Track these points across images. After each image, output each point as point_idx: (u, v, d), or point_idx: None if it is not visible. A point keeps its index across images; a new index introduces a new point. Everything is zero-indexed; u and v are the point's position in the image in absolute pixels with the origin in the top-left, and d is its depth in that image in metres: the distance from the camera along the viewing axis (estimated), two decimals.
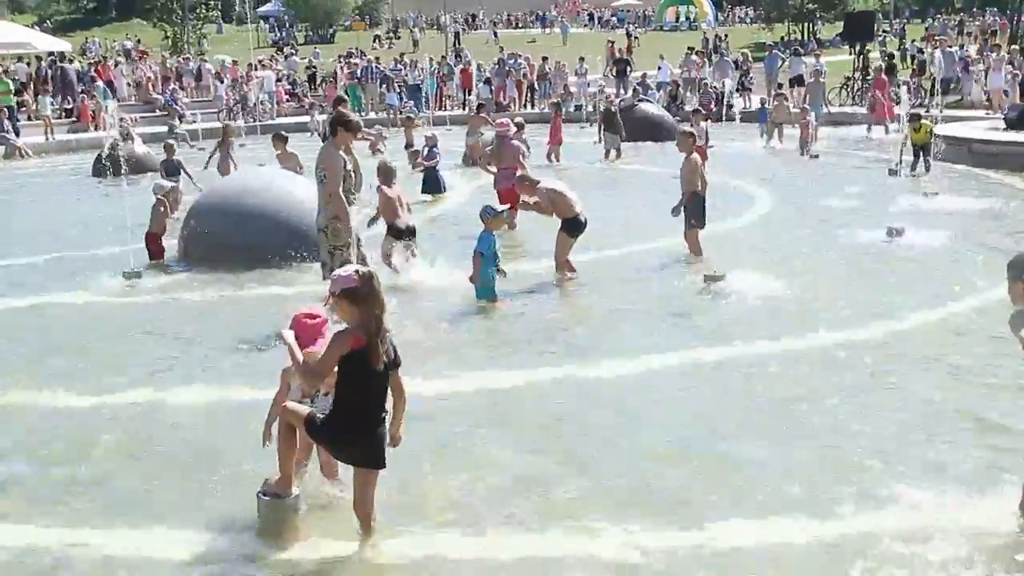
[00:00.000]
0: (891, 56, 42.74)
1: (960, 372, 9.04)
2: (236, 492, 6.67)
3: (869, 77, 35.80)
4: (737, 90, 40.40)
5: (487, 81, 42.80)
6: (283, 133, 19.87)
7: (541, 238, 14.29)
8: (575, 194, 12.99)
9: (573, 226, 12.75)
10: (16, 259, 15.56)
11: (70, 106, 39.65)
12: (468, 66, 45.40)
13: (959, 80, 38.02)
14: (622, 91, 39.41)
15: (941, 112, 28.26)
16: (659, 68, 44.94)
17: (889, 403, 8.29)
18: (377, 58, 51.65)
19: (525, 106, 41.75)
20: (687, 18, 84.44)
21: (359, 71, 45.49)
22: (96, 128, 36.11)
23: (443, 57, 48.76)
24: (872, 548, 5.82)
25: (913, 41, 51.82)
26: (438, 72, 44.32)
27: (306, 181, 15.28)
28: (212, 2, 67.86)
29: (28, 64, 46.53)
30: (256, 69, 43.83)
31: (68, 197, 22.85)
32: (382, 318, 5.88)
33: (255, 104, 39.55)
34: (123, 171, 17.94)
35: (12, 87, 36.27)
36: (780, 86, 36.29)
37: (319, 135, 32.06)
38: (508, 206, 11.94)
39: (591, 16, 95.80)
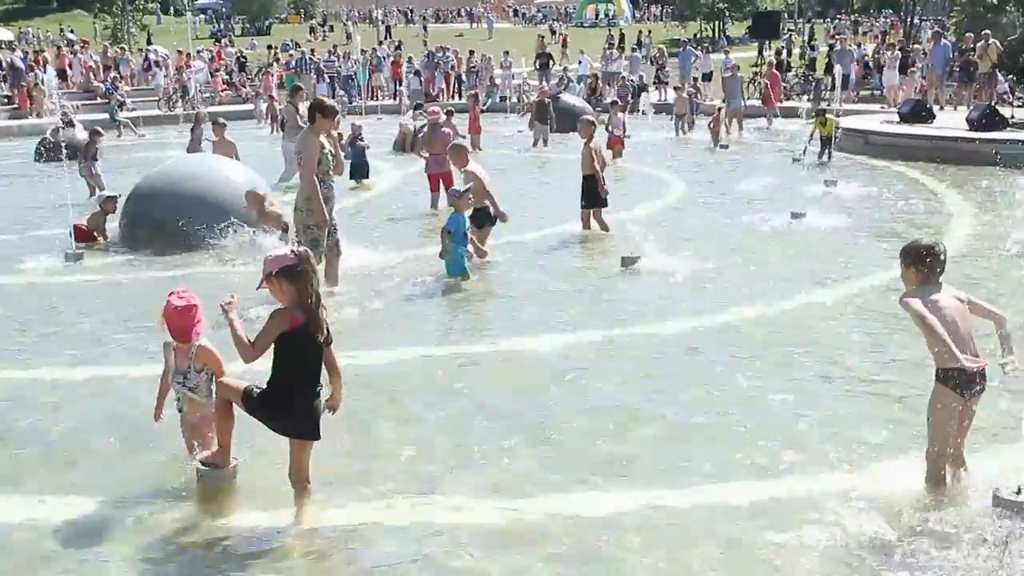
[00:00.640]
0: (778, 52, 43.37)
1: (857, 345, 9.16)
2: (175, 464, 6.56)
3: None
4: (654, 84, 40.73)
5: (416, 73, 42.56)
6: (222, 120, 19.63)
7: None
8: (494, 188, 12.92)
9: (484, 216, 12.63)
10: None
11: (9, 94, 38.78)
12: (398, 58, 45.12)
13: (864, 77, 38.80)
14: (544, 83, 39.43)
15: (841, 106, 28.70)
16: (580, 62, 45.07)
17: (794, 374, 8.37)
18: (312, 50, 51.19)
19: (453, 97, 41.55)
20: (606, 15, 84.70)
21: (294, 62, 45.07)
22: (37, 115, 35.29)
23: (373, 49, 48.33)
24: (781, 511, 5.88)
25: (811, 40, 52.33)
26: (369, 64, 44.00)
27: (241, 166, 15.11)
28: None
29: None
30: (194, 59, 43.20)
31: (12, 181, 22.35)
32: (318, 295, 5.83)
33: (194, 93, 38.95)
34: (63, 156, 17.59)
35: None
36: (696, 80, 36.62)
37: (268, 122, 31.88)
38: (470, 185, 11.89)
39: (516, 12, 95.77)
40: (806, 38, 54.99)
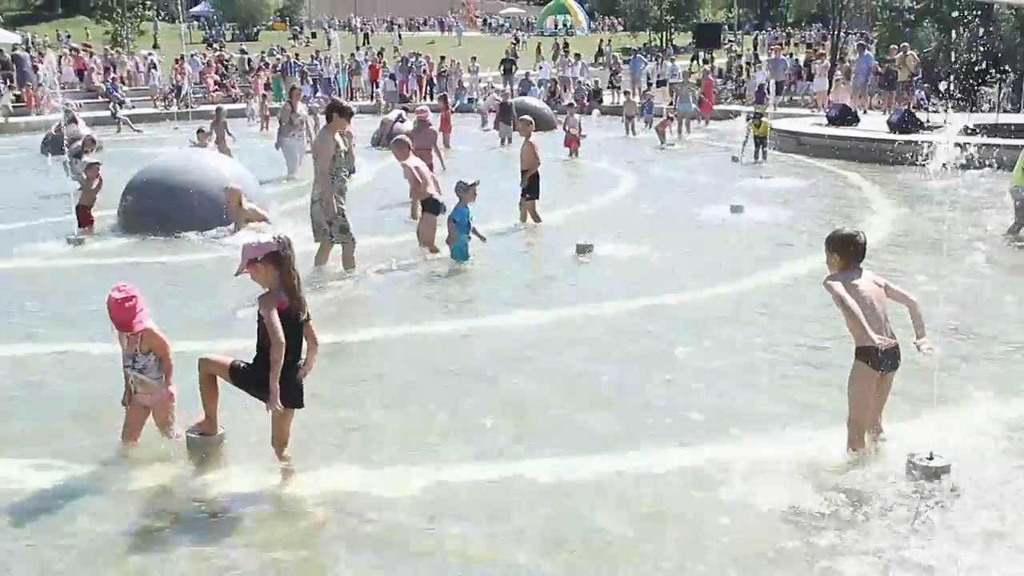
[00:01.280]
0: (707, 61, 43.59)
1: (788, 325, 9.19)
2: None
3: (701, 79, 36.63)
4: (608, 87, 40.75)
5: (391, 76, 42.32)
6: (206, 128, 19.74)
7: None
8: (432, 178, 12.78)
9: (432, 206, 12.39)
10: None
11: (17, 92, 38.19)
12: (376, 62, 44.86)
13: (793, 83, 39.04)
14: (508, 87, 39.38)
15: (775, 110, 28.86)
16: (540, 67, 44.98)
17: (730, 350, 8.38)
18: (297, 55, 50.78)
19: (424, 99, 41.34)
20: (564, 25, 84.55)
21: (280, 65, 44.71)
22: (37, 112, 34.83)
23: (352, 54, 48.00)
24: (720, 475, 5.90)
25: (755, 51, 52.55)
26: (348, 67, 43.71)
27: (230, 160, 14.97)
28: (149, 1, 65.71)
29: None
30: (187, 63, 42.73)
31: (18, 171, 22.03)
32: (299, 278, 5.82)
33: (187, 93, 38.56)
34: (65, 149, 17.36)
35: None
36: (650, 86, 36.68)
37: (259, 120, 31.71)
38: (477, 180, 11.79)
39: (484, 21, 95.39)
40: (752, 48, 55.26)
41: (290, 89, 22.76)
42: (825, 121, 25.71)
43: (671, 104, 30.89)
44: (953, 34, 30.71)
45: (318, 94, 38.80)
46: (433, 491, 5.77)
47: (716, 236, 13.73)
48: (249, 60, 49.04)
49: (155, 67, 42.53)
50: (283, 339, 5.66)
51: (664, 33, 70.58)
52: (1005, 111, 23.68)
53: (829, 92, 33.38)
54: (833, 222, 12.42)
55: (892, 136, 21.90)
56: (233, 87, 43.67)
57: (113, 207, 14.68)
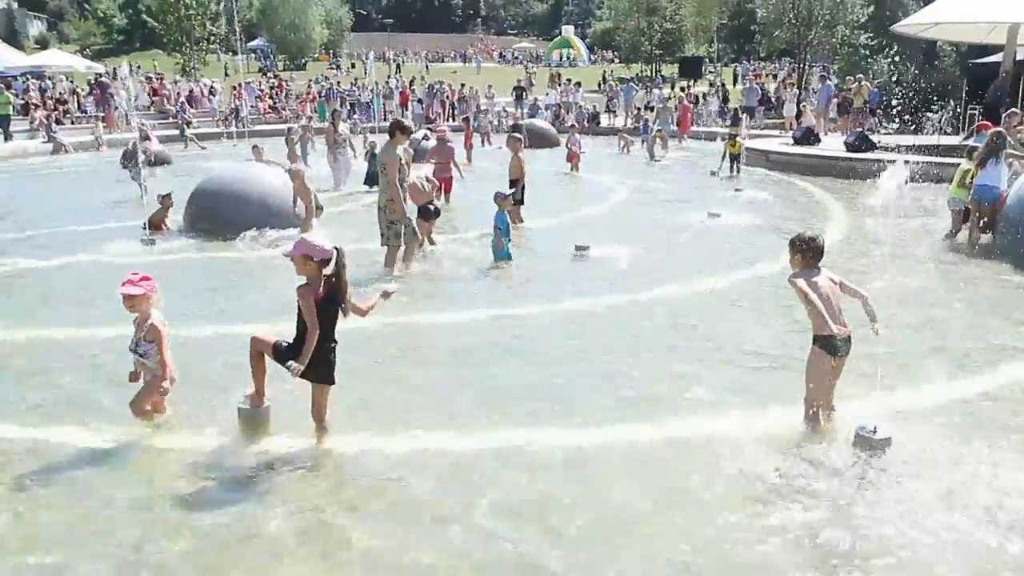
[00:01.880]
0: (684, 88, 43.44)
1: (756, 316, 9.18)
2: (224, 404, 6.48)
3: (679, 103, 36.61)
4: (605, 111, 40.67)
5: (419, 101, 42.30)
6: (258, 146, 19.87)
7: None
8: (430, 187, 12.64)
9: (424, 212, 12.31)
10: (63, 227, 15.10)
11: (103, 114, 38.32)
12: (406, 89, 44.83)
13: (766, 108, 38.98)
14: (518, 110, 39.34)
15: (749, 130, 28.73)
16: (547, 94, 44.89)
17: (706, 336, 8.36)
18: (338, 82, 50.80)
19: (448, 120, 41.30)
20: (568, 58, 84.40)
21: (323, 91, 44.73)
22: (108, 132, 35.06)
23: (386, 82, 47.98)
24: (689, 446, 5.90)
25: (735, 81, 52.28)
26: (383, 93, 43.71)
27: (278, 171, 14.99)
28: (213, 37, 65.83)
29: (72, 81, 44.86)
30: (244, 90, 42.81)
31: (101, 182, 22.11)
32: (346, 277, 5.81)
33: (245, 115, 38.62)
34: (140, 163, 17.43)
35: (11, 100, 34.73)
36: (639, 111, 36.58)
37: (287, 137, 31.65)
38: (513, 190, 11.73)
39: (500, 54, 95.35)
40: (731, 79, 55.01)
41: (332, 112, 22.76)
42: (791, 141, 25.60)
43: (656, 124, 30.94)
44: (901, 69, 30.64)
45: (355, 116, 38.82)
46: (452, 458, 5.77)
47: (696, 239, 13.67)
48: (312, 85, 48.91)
49: (214, 93, 42.65)
50: (317, 324, 5.66)
51: (654, 64, 70.34)
52: (946, 134, 23.50)
53: (798, 117, 33.28)
54: (797, 227, 12.33)
55: (848, 155, 21.79)
56: (284, 109, 43.71)
57: (180, 212, 14.68)
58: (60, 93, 40.75)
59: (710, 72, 59.60)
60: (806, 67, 45.54)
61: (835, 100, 31.70)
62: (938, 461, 5.44)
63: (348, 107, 41.24)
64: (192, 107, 41.68)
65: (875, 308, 5.84)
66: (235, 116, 39.11)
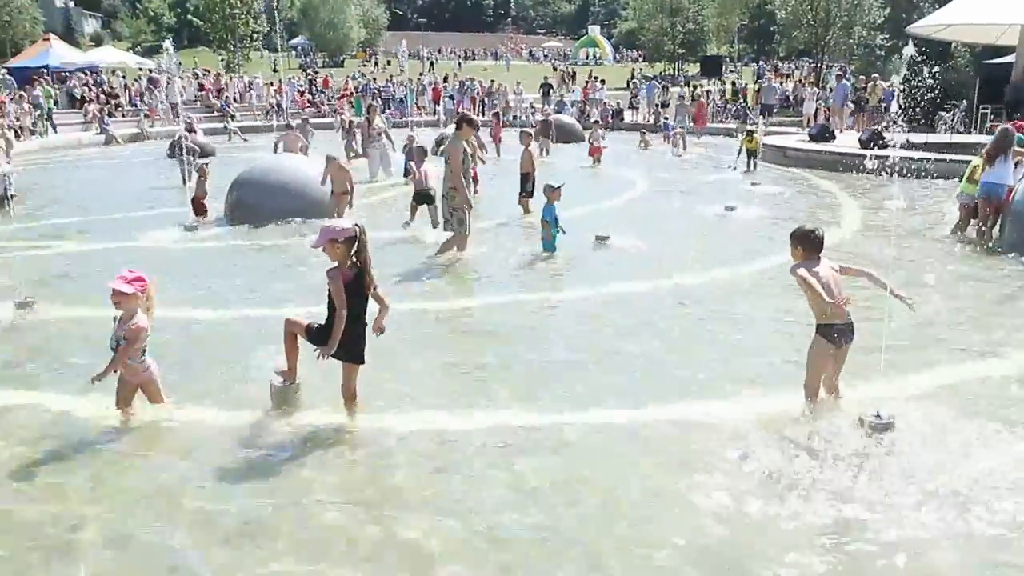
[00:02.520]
0: (695, 88, 43.01)
1: (765, 305, 9.06)
2: (256, 380, 6.55)
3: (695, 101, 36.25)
4: (628, 107, 40.45)
5: (451, 97, 42.26)
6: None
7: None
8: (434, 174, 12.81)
9: (421, 197, 12.81)
10: (113, 214, 15.35)
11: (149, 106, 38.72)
12: (438, 85, 44.80)
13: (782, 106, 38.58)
14: (546, 106, 39.18)
15: (766, 127, 28.47)
16: (572, 91, 44.69)
17: (718, 324, 8.31)
18: (374, 78, 50.88)
19: (478, 115, 41.24)
20: (594, 56, 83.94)
21: (361, 87, 44.83)
22: (150, 124, 35.62)
23: (419, 78, 47.97)
24: (698, 427, 5.88)
25: (757, 79, 51.74)
26: (416, 89, 43.73)
27: (311, 162, 15.05)
28: (255, 35, 66.13)
29: (124, 76, 45.33)
30: (286, 85, 43.02)
31: (149, 172, 22.37)
32: (370, 257, 5.81)
33: (285, 108, 38.83)
34: (186, 153, 17.59)
35: (54, 95, 35.39)
36: (659, 107, 36.32)
37: (342, 131, 31.74)
38: (562, 183, 11.73)
39: (530, 53, 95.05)
40: (755, 76, 54.44)
41: (367, 107, 22.81)
42: (807, 138, 25.33)
43: (677, 119, 30.79)
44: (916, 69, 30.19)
45: (388, 111, 38.89)
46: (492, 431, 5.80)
47: (713, 230, 13.58)
48: (362, 81, 49.10)
49: (253, 88, 42.93)
50: (346, 304, 5.68)
51: (676, 64, 69.81)
52: (958, 132, 23.18)
53: (816, 114, 32.94)
54: (810, 220, 12.23)
55: (862, 151, 21.52)
56: (323, 104, 43.87)
57: (221, 201, 14.83)
58: (112, 88, 41.18)
59: (730, 71, 59.01)
60: (824, 67, 45.05)
61: (850, 99, 31.35)
62: (938, 444, 5.38)
63: (381, 103, 41.30)
64: (238, 101, 42.00)
65: (884, 295, 5.78)
66: (277, 110, 39.35)
